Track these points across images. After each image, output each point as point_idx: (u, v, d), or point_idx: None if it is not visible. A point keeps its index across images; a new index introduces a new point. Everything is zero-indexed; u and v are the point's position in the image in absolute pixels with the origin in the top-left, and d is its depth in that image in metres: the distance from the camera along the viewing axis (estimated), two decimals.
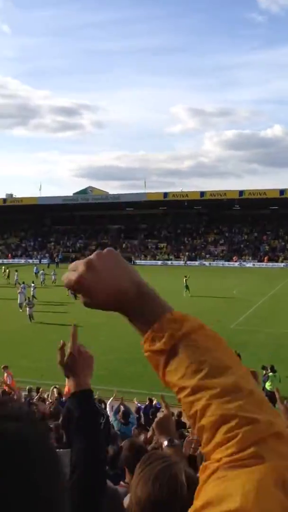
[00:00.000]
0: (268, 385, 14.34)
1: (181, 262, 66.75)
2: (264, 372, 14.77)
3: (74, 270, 0.93)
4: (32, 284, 34.05)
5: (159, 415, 2.51)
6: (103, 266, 0.92)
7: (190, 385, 0.83)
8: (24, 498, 0.58)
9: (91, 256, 0.94)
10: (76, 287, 0.92)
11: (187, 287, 35.45)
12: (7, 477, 0.58)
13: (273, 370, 14.79)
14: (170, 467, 1.47)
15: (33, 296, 30.96)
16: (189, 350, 0.86)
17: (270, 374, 14.58)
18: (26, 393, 13.19)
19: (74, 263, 0.95)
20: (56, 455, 0.66)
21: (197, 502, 0.72)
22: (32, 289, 32.62)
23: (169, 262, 67.73)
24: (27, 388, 13.75)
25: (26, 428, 0.62)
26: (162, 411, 2.61)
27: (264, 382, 14.54)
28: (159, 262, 67.56)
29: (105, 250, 0.96)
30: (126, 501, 2.44)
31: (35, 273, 46.72)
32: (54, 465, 0.64)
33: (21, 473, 0.59)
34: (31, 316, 27.27)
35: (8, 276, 45.70)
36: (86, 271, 0.91)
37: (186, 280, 35.85)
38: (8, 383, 13.98)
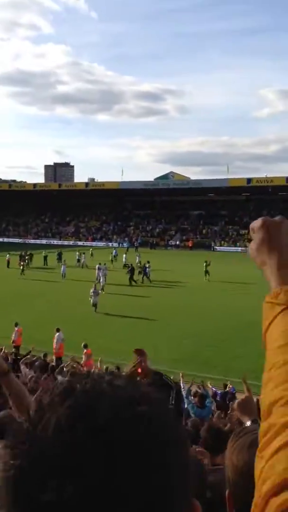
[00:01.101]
0: None
1: None
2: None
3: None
4: (104, 266, 34.62)
5: (241, 396, 2.52)
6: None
7: (285, 340, 0.88)
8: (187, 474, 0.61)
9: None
10: (258, 223, 1.07)
11: (206, 272, 36.08)
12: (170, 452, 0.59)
13: None
14: None
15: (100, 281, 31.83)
16: None
17: None
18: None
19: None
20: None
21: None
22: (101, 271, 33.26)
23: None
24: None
25: (159, 411, 0.62)
26: (241, 395, 2.61)
27: None
28: (239, 249, 65.95)
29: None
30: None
31: (114, 255, 47.18)
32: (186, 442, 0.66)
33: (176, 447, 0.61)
34: (95, 305, 25.56)
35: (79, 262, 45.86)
36: (278, 218, 1.06)
37: (205, 265, 36.49)
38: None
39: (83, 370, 12.40)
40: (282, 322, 0.90)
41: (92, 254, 48.87)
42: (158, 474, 0.56)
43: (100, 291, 28.13)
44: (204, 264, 36.61)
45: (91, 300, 25.51)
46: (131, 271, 34.95)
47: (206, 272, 36.26)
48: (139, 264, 38.81)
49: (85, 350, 15.34)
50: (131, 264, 37.33)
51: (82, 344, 15.61)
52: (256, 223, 1.08)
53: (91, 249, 53.82)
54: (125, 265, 40.02)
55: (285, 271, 1.00)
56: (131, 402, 0.60)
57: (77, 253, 46.59)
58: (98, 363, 14.26)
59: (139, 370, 3.22)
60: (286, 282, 0.98)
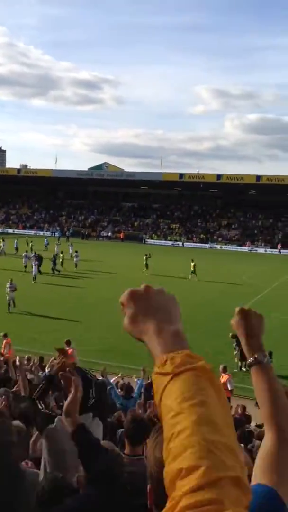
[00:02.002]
0: None
1: (192, 244, 66.30)
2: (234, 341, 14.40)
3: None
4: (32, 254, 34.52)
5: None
6: (157, 296, 1.09)
7: (179, 408, 0.84)
8: None
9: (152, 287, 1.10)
10: (125, 297, 1.08)
11: (193, 271, 35.01)
12: None
13: (270, 355, 14.36)
14: None
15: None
16: (193, 380, 0.88)
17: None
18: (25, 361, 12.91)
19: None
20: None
21: None
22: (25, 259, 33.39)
23: (180, 243, 67.22)
24: (26, 356, 13.46)
25: None
26: None
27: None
28: (169, 243, 67.10)
29: (165, 292, 1.11)
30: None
31: (45, 245, 46.68)
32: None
33: None
34: (11, 302, 23.35)
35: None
36: (142, 288, 1.09)
37: (146, 258, 36.37)
38: (4, 352, 13.65)
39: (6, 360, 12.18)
40: (172, 391, 0.88)
41: (28, 242, 47.14)
42: None
43: (32, 281, 27.78)
44: (145, 257, 36.56)
45: (7, 297, 23.20)
46: (39, 260, 33.02)
47: (146, 265, 36.20)
48: (74, 254, 38.63)
49: (4, 340, 14.93)
50: (39, 254, 35.00)
51: (1, 334, 15.21)
52: (123, 297, 1.09)
53: (26, 237, 52.77)
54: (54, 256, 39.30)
55: (164, 336, 1.00)
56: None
57: (15, 240, 45.73)
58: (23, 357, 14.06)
59: (62, 367, 3.36)
60: (169, 348, 0.97)
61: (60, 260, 36.10)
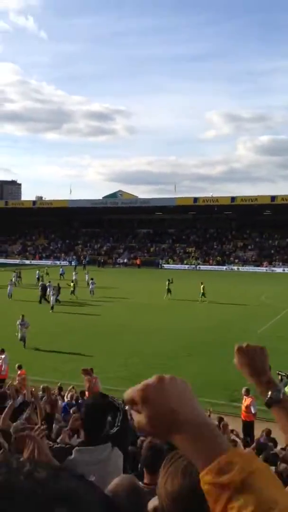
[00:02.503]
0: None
1: (209, 267, 66.04)
2: (279, 377, 14.03)
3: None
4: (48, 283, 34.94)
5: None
6: (172, 387, 0.92)
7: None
8: None
9: (162, 376, 0.94)
10: (139, 395, 0.90)
11: (203, 294, 34.66)
12: None
13: None
14: None
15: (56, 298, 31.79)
16: (260, 485, 0.79)
17: (286, 380, 13.84)
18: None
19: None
20: None
21: None
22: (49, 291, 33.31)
23: (197, 267, 66.96)
24: (41, 387, 13.27)
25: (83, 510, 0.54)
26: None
27: (284, 386, 13.81)
28: (186, 267, 66.87)
29: (177, 378, 0.95)
30: (150, 503, 2.34)
31: (61, 274, 46.64)
32: None
33: None
34: (23, 340, 21.61)
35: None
36: (155, 381, 0.92)
37: (168, 284, 35.83)
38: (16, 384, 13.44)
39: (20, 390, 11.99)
40: (249, 498, 0.78)
41: (47, 273, 47.63)
42: None
43: (50, 311, 27.82)
44: (167, 282, 36.06)
45: (18, 335, 21.58)
46: (43, 289, 33.89)
47: (169, 290, 35.67)
48: (90, 281, 38.86)
49: (19, 372, 14.68)
50: (43, 284, 36.06)
51: (17, 366, 14.99)
52: (136, 394, 0.91)
53: (46, 268, 53.23)
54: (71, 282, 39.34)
55: (199, 438, 0.87)
56: (49, 502, 0.53)
57: (37, 271, 46.18)
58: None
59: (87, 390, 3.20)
60: (210, 453, 0.84)
61: (72, 289, 36.13)
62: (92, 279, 38.87)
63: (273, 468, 6.21)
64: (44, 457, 2.45)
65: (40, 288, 34.48)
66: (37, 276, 44.65)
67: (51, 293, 31.96)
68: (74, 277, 42.80)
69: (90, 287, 37.83)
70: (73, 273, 45.20)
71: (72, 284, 36.84)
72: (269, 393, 1.53)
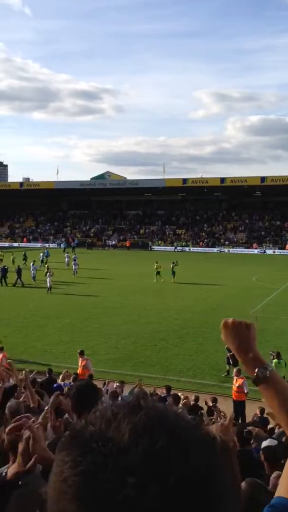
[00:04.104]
0: None
1: (199, 249, 65.96)
2: (271, 357, 13.95)
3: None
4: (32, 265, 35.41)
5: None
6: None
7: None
8: None
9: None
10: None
11: (173, 273, 34.78)
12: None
13: (279, 356, 13.96)
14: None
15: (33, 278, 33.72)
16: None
17: (275, 360, 13.74)
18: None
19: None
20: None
21: None
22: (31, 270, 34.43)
23: (187, 249, 66.79)
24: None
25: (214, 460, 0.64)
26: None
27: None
28: (177, 248, 66.68)
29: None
30: None
31: (46, 256, 45.16)
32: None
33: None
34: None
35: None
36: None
37: (173, 266, 35.23)
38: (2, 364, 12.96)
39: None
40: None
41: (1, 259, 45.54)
42: (229, 479, 0.64)
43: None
44: (172, 265, 35.42)
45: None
46: (18, 272, 33.55)
47: (173, 272, 34.93)
48: (73, 262, 38.95)
49: (0, 355, 14.07)
50: (18, 266, 35.72)
51: None
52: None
53: (24, 251, 50.93)
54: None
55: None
56: (194, 425, 0.67)
57: (41, 253, 45.26)
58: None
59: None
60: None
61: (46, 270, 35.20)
62: (74, 260, 39.00)
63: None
64: (39, 449, 2.28)
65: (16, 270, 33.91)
66: (40, 259, 43.35)
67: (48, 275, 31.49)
68: (66, 260, 42.65)
69: (73, 268, 37.99)
70: (65, 254, 44.82)
71: (46, 266, 36.76)
72: (256, 370, 1.47)
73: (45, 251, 47.25)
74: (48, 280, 30.64)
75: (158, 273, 35.34)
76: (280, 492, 1.29)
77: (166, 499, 0.56)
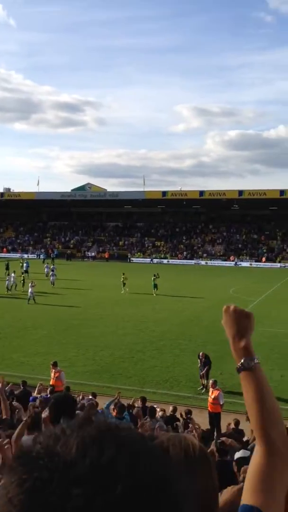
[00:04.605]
0: None
1: (177, 261, 66.50)
2: None
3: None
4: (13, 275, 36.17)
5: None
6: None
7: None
8: None
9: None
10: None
11: (155, 285, 34.95)
12: None
13: None
14: (179, 435, 1.40)
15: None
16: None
17: None
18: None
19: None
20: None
21: None
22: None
23: (165, 261, 67.24)
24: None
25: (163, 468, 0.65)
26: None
27: None
28: (155, 260, 67.09)
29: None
30: None
31: (25, 270, 44.68)
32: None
33: None
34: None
35: None
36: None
37: (154, 279, 35.35)
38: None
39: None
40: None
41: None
42: (175, 484, 0.64)
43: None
44: (153, 277, 35.47)
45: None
46: None
47: (155, 285, 34.97)
48: (51, 273, 39.59)
49: None
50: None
51: None
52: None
53: (7, 261, 51.05)
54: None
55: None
56: (145, 437, 0.69)
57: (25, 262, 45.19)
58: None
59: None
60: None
61: (22, 281, 36.51)
62: (52, 270, 39.62)
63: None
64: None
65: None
66: (24, 269, 42.93)
67: (30, 285, 31.73)
68: (46, 270, 42.88)
69: (51, 278, 38.43)
70: (45, 265, 44.93)
71: (22, 275, 37.42)
72: (242, 359, 1.51)
73: (26, 262, 46.82)
74: (30, 290, 30.82)
75: (124, 284, 35.86)
76: (244, 500, 1.30)
77: (113, 509, 0.55)
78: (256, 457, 1.38)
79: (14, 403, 9.58)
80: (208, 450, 7.06)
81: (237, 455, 6.74)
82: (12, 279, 35.92)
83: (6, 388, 11.46)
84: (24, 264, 43.98)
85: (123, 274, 36.45)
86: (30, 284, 31.47)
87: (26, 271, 41.81)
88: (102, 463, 0.58)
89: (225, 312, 1.61)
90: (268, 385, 1.51)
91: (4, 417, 6.85)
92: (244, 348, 1.53)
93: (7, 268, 43.77)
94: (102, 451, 0.60)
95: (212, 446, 8.00)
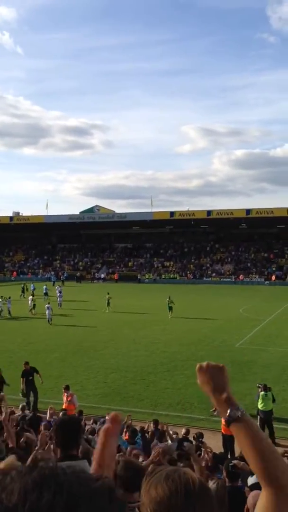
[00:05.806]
0: (259, 404, 13.85)
1: (187, 281, 66.54)
2: (258, 390, 14.27)
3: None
4: (9, 299, 36.34)
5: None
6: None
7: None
8: None
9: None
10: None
11: (170, 308, 34.33)
12: None
13: (265, 389, 14.18)
14: (178, 469, 1.47)
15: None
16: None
17: (262, 393, 14.01)
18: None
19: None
20: None
21: None
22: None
23: (175, 281, 67.26)
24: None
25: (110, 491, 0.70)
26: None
27: (256, 401, 14.05)
28: (165, 281, 67.12)
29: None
30: None
31: (44, 293, 45.16)
32: None
33: None
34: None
35: None
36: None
37: (169, 302, 34.57)
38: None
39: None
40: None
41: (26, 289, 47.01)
42: None
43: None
44: (167, 300, 34.79)
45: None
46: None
47: (170, 308, 34.18)
48: (58, 294, 40.15)
49: None
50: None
51: None
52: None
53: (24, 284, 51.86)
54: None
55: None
56: (89, 479, 0.70)
57: (45, 286, 46.54)
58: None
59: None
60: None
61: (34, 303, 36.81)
62: (60, 292, 40.08)
63: None
64: None
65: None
66: (44, 292, 44.74)
67: (46, 306, 32.53)
68: (57, 293, 43.55)
69: (58, 300, 38.89)
70: (56, 288, 45.39)
71: (33, 298, 37.65)
72: (228, 411, 1.53)
73: (31, 285, 47.24)
74: (47, 312, 31.40)
75: (108, 303, 36.59)
76: None
77: None
78: (264, 501, 1.40)
79: (26, 428, 9.61)
80: (222, 475, 7.04)
81: (250, 481, 6.65)
82: (29, 301, 36.70)
83: (16, 415, 11.55)
84: (44, 286, 45.20)
85: (108, 293, 37.47)
86: (46, 306, 32.13)
87: (46, 293, 42.85)
88: (40, 507, 0.60)
89: (199, 371, 1.64)
90: (261, 430, 1.56)
91: (10, 445, 6.87)
92: (227, 400, 1.57)
93: (23, 291, 44.53)
94: (41, 495, 0.61)
95: (223, 472, 8.01)
